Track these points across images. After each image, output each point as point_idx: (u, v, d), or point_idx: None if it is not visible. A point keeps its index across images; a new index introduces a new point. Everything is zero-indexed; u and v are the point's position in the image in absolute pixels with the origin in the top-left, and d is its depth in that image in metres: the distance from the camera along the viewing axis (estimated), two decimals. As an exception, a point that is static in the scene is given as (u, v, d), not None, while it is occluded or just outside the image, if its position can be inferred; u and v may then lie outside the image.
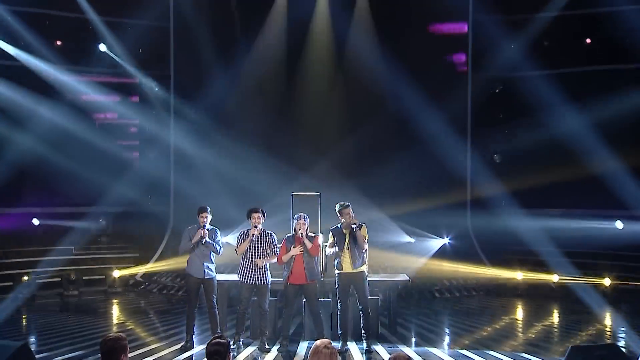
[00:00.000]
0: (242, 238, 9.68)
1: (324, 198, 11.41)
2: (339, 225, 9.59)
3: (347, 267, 9.53)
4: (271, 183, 17.03)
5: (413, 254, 17.82)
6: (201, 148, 19.06)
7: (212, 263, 9.90)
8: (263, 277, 9.65)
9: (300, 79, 19.02)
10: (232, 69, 18.86)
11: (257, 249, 9.63)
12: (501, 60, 18.72)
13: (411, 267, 16.20)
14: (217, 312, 9.91)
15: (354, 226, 9.36)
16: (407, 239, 18.56)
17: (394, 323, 11.02)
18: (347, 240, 9.48)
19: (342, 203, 9.63)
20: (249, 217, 9.69)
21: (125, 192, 18.00)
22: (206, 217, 9.82)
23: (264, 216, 9.71)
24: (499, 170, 18.81)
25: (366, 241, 9.50)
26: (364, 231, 9.53)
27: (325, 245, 10.31)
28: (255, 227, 9.58)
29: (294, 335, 10.54)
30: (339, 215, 9.56)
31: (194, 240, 9.68)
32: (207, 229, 9.79)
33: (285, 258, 9.60)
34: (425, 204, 19.11)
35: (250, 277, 9.62)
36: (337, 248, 9.51)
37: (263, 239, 9.67)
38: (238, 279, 9.75)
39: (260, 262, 9.56)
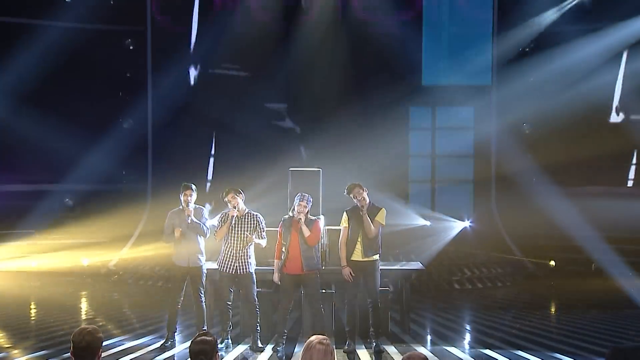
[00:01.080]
0: (223, 220, 9.64)
1: (326, 174, 11.35)
2: (357, 205, 9.53)
3: (358, 255, 9.49)
4: (266, 157, 17.00)
5: (429, 239, 17.81)
6: (184, 115, 19.00)
7: (200, 249, 9.85)
8: (245, 265, 9.60)
9: (298, 36, 18.91)
10: (218, 25, 18.75)
11: (240, 234, 9.56)
12: (531, 13, 18.60)
13: (426, 254, 16.20)
14: (204, 305, 9.90)
15: (362, 209, 9.33)
16: (422, 221, 18.55)
17: (407, 319, 11.01)
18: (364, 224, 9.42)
19: (349, 185, 9.57)
20: (224, 198, 9.65)
21: (95, 167, 17.94)
22: (190, 196, 9.76)
23: (241, 195, 9.63)
24: (528, 141, 18.75)
25: (379, 227, 9.44)
26: (380, 216, 9.49)
27: (327, 229, 10.26)
28: (234, 207, 9.52)
29: (292, 332, 10.53)
30: (350, 196, 9.49)
31: (175, 227, 9.68)
32: (192, 208, 9.75)
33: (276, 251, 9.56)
34: (442, 182, 19.11)
35: (230, 265, 9.57)
36: (348, 231, 9.46)
37: (247, 221, 9.61)
38: (217, 267, 9.74)
39: (249, 238, 9.45)
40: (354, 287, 9.61)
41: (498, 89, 19.05)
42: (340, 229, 9.70)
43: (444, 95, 18.80)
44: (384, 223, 9.57)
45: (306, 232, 9.37)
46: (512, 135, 18.56)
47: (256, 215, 9.72)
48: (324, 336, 4.59)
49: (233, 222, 9.55)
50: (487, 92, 19.14)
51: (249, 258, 9.66)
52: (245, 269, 9.61)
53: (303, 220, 9.39)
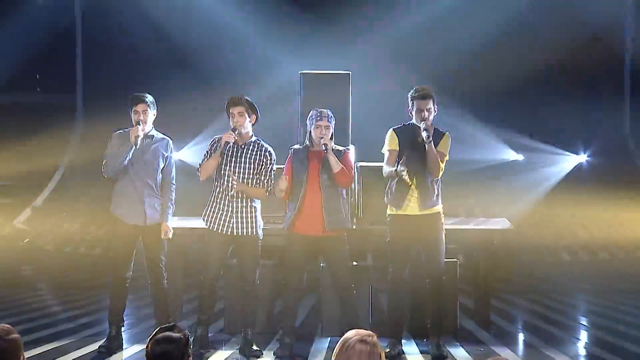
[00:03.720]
0: (213, 149, 9.61)
1: (359, 80, 11.36)
2: (411, 122, 9.47)
3: (414, 206, 9.45)
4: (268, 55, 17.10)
5: (522, 182, 17.88)
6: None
7: (158, 197, 9.88)
8: (249, 222, 9.65)
9: None
10: None
11: (239, 172, 9.54)
12: None
13: (518, 207, 16.27)
14: (166, 286, 9.99)
15: (424, 134, 9.23)
16: (512, 155, 18.61)
17: (486, 307, 11.11)
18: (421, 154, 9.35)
19: (421, 87, 9.48)
20: (227, 113, 9.60)
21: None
22: (145, 113, 9.75)
23: (254, 114, 9.61)
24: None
25: (444, 162, 9.40)
26: (444, 145, 9.44)
27: (361, 166, 10.30)
28: (234, 130, 9.51)
29: (304, 328, 10.66)
30: (410, 106, 9.44)
31: (131, 139, 9.61)
32: (152, 136, 9.77)
33: (278, 190, 9.45)
34: (545, 93, 19.13)
35: (226, 221, 9.61)
36: (400, 167, 9.39)
37: (253, 154, 9.58)
38: (205, 225, 9.76)
39: (241, 187, 9.45)
40: (402, 256, 9.62)
41: None
42: (380, 165, 9.68)
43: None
44: (447, 156, 9.52)
45: (335, 165, 9.30)
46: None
47: (266, 148, 9.67)
48: (368, 331, 4.66)
49: (229, 151, 9.54)
50: None
51: (255, 212, 9.66)
52: (250, 227, 9.62)
53: (329, 147, 9.32)
